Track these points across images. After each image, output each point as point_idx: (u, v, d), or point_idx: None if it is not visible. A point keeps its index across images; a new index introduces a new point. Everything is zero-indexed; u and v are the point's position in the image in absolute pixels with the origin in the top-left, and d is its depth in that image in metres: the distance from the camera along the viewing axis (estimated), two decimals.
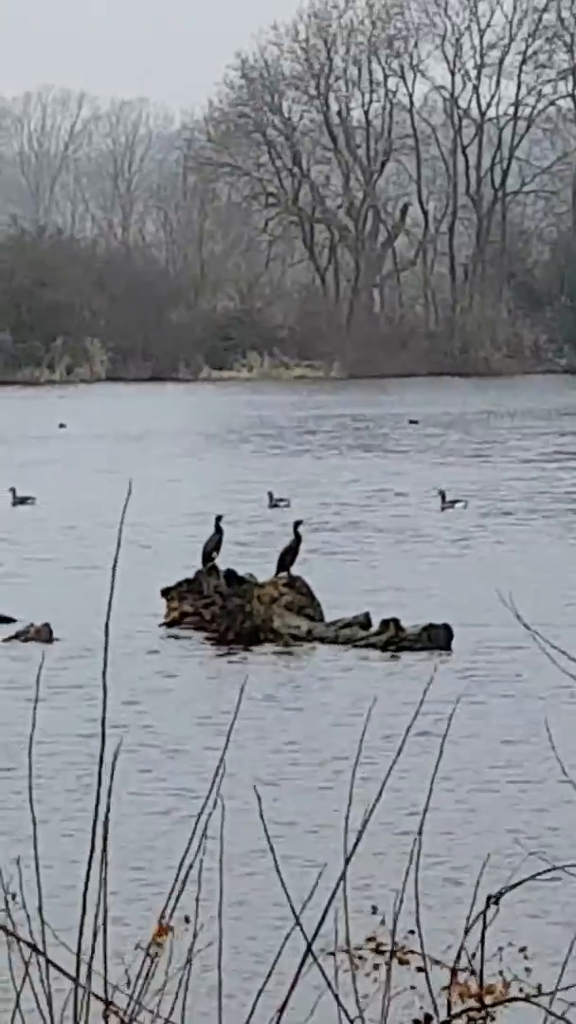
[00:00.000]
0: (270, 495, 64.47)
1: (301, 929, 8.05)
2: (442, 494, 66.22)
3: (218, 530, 45.77)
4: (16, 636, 40.50)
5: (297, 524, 45.87)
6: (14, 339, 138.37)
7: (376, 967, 8.20)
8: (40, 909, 8.04)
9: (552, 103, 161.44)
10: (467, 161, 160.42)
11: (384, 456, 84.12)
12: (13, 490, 67.94)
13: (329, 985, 8.09)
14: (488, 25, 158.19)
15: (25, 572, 50.36)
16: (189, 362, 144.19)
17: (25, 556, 53.93)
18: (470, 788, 27.61)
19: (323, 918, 7.98)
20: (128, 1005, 7.88)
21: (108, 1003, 7.90)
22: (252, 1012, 7.86)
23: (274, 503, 63.69)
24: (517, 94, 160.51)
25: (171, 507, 58.90)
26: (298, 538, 45.21)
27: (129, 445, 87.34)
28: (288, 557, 44.74)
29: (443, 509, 64.68)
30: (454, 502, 65.58)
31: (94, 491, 68.50)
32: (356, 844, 8.06)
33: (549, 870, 9.29)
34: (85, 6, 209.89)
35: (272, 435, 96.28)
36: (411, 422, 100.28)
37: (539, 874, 9.05)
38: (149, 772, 27.93)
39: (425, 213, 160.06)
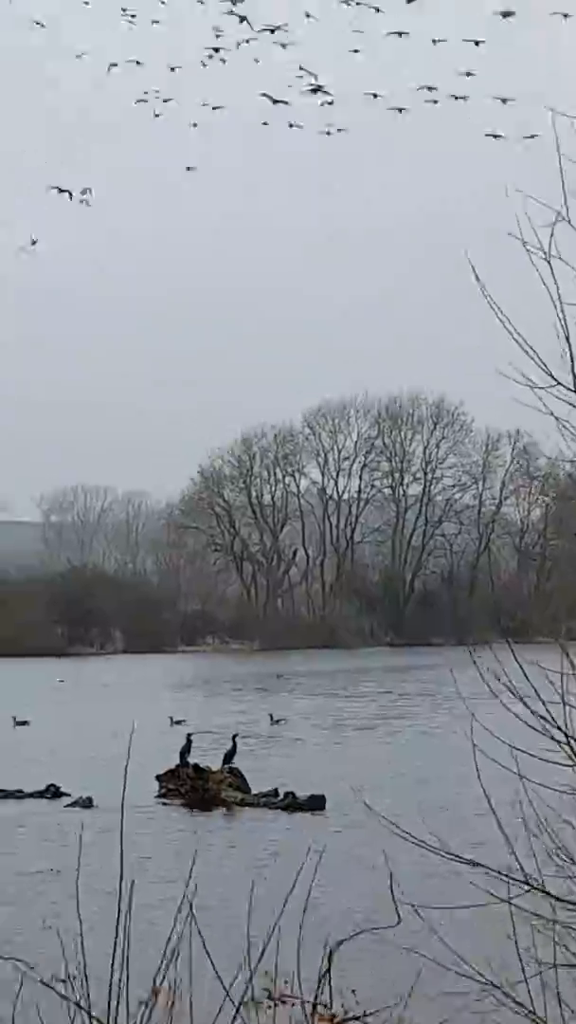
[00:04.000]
0: (170, 717, 62.86)
1: (227, 992, 8.19)
2: (270, 716, 65.04)
3: (188, 740, 45.70)
4: (73, 804, 40.38)
5: (235, 736, 45.80)
6: (69, 629, 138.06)
7: (269, 1008, 8.29)
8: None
9: (380, 491, 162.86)
10: (330, 523, 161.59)
11: (265, 696, 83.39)
12: (14, 717, 65.14)
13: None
14: (343, 446, 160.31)
15: (52, 765, 49.04)
16: (172, 640, 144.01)
17: (34, 758, 51.63)
18: (332, 886, 27.71)
19: (233, 980, 8.11)
20: None
21: None
22: None
23: (175, 722, 62.11)
24: (360, 486, 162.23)
25: (153, 723, 57.50)
26: (235, 744, 45.14)
27: (120, 689, 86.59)
28: (229, 756, 44.71)
29: (272, 724, 63.26)
30: (279, 720, 64.33)
31: (84, 715, 67.37)
32: (248, 921, 8.23)
33: (358, 933, 9.43)
34: (106, 429, 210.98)
35: (215, 685, 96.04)
36: (278, 676, 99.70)
37: (350, 937, 9.16)
38: (155, 883, 27.92)
39: (307, 554, 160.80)
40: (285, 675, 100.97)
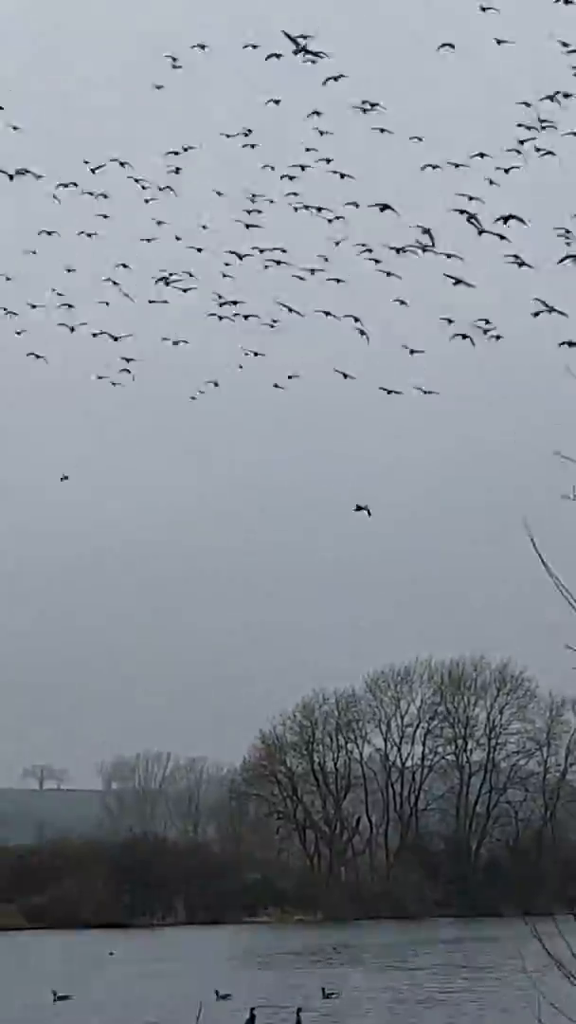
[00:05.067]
0: (216, 991, 61.13)
1: None
2: (323, 989, 63.49)
3: (251, 1015, 44.95)
4: None
5: (299, 1010, 45.10)
6: (129, 899, 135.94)
7: None
8: None
9: (443, 757, 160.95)
10: (393, 791, 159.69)
11: (320, 968, 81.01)
12: (54, 991, 63.75)
13: None
14: (406, 712, 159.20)
15: None
16: (234, 910, 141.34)
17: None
18: None
19: None
20: None
21: None
22: None
23: (221, 997, 60.39)
24: (423, 752, 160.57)
25: (201, 998, 56.23)
26: (299, 1020, 44.43)
27: (172, 963, 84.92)
28: None
29: (324, 998, 61.37)
30: (331, 994, 62.64)
31: (130, 989, 65.59)
32: None
33: None
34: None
35: (271, 957, 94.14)
36: (335, 948, 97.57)
37: None
38: None
39: (370, 821, 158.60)
40: (342, 946, 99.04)
